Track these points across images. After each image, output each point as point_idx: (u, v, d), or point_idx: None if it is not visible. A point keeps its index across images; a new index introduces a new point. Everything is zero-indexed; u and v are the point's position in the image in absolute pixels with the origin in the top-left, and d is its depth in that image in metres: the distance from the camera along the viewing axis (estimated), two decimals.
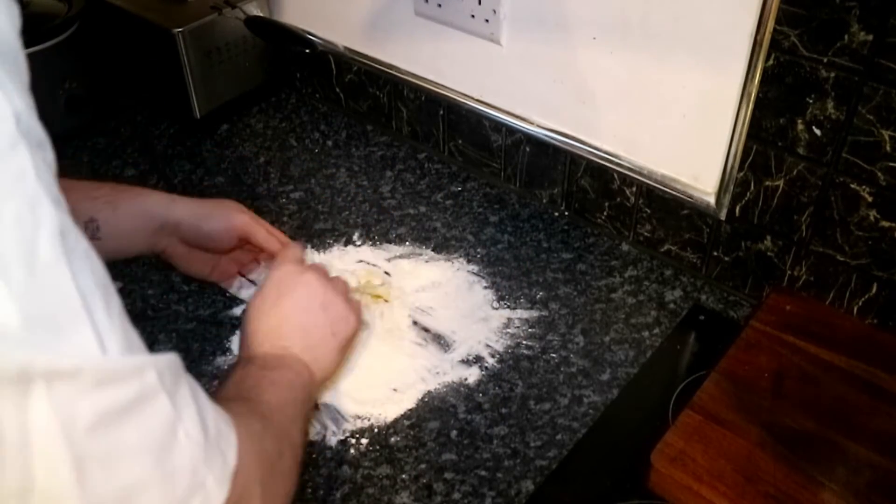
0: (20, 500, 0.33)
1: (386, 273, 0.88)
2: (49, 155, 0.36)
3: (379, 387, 0.76)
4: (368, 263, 0.89)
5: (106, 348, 0.35)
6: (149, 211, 0.76)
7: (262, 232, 0.79)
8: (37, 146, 0.35)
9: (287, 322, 0.66)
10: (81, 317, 0.34)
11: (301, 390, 0.61)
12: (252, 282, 0.83)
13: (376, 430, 0.72)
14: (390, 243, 0.92)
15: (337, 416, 0.73)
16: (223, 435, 0.43)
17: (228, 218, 0.78)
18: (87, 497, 0.34)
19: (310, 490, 0.67)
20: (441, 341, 0.80)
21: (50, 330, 0.33)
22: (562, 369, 0.78)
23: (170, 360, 0.39)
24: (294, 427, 0.57)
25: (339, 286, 0.71)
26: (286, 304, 0.67)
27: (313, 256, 0.91)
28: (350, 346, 0.70)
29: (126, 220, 0.74)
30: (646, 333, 0.81)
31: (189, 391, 0.40)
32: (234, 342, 0.80)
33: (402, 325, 0.81)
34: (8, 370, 0.31)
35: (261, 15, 1.09)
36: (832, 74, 0.68)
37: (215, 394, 0.57)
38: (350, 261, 0.90)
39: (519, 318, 0.83)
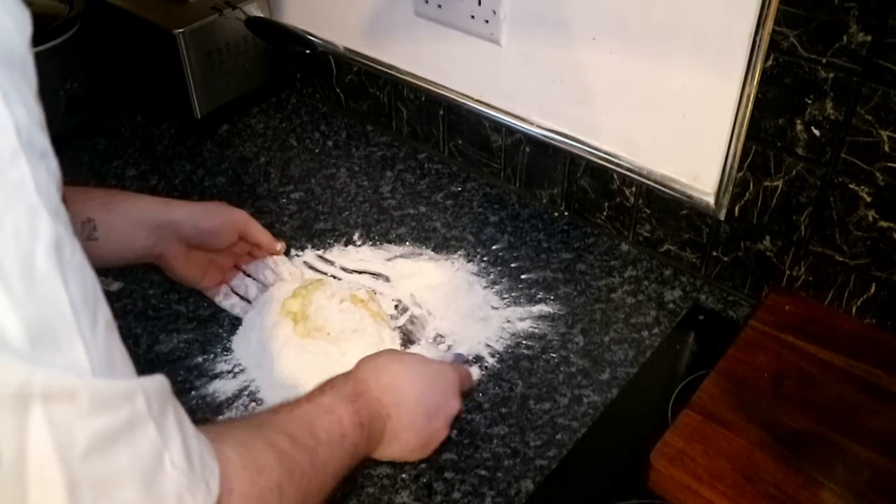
0: None
1: (386, 279, 0.88)
2: (52, 164, 0.36)
3: None
4: (371, 274, 0.89)
5: (92, 364, 0.35)
6: (145, 211, 0.77)
7: (258, 224, 0.83)
8: (38, 157, 0.34)
9: (411, 406, 0.64)
10: (74, 331, 0.34)
11: (355, 458, 0.59)
12: (235, 292, 0.84)
13: None
14: (390, 243, 0.93)
15: None
16: (207, 465, 0.42)
17: (228, 212, 0.82)
18: None
19: None
20: (441, 341, 0.80)
21: (47, 343, 0.33)
22: (561, 369, 0.78)
23: (158, 385, 0.39)
24: (321, 494, 0.55)
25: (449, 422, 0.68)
26: (432, 402, 0.65)
27: (311, 258, 0.91)
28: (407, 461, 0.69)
29: (122, 220, 0.75)
30: (645, 333, 0.82)
31: (175, 418, 0.40)
32: (235, 342, 0.80)
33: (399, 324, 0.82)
34: (9, 384, 0.31)
35: (261, 15, 1.09)
36: (831, 75, 0.68)
37: (281, 408, 0.56)
38: (351, 261, 0.90)
39: (519, 318, 0.83)
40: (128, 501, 0.36)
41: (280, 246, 0.86)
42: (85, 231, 0.72)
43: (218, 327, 0.82)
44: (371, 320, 0.78)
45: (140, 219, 0.76)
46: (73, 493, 0.33)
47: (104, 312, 0.37)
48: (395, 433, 0.63)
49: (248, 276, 0.85)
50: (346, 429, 0.57)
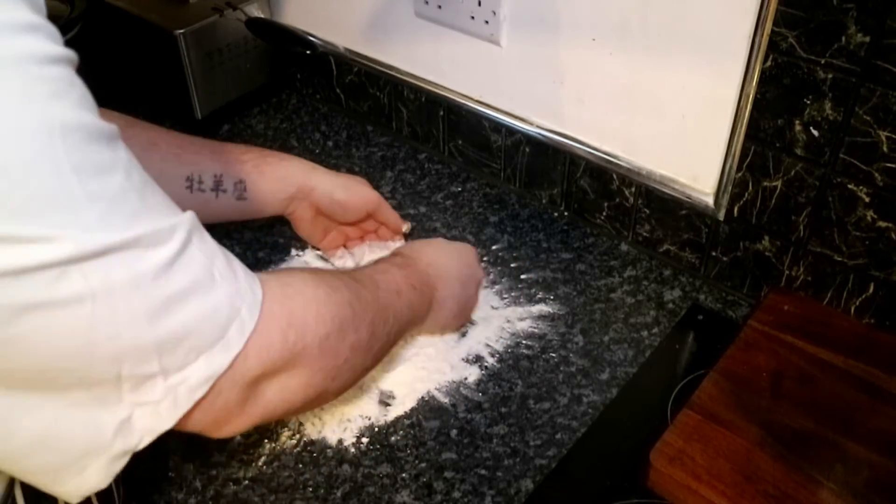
0: (114, 363, 0.40)
1: None
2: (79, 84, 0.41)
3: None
4: None
5: (152, 219, 0.41)
6: (290, 176, 0.83)
7: (390, 207, 0.88)
8: (73, 84, 0.40)
9: (451, 277, 0.74)
10: (139, 209, 0.40)
11: (412, 318, 0.68)
12: (352, 255, 0.89)
13: (377, 429, 0.73)
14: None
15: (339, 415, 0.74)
16: (248, 274, 0.49)
17: (363, 190, 0.86)
18: (158, 337, 0.41)
19: (310, 489, 0.68)
20: (440, 342, 0.80)
21: (119, 221, 0.39)
22: (561, 369, 0.78)
23: (191, 217, 0.45)
24: (386, 336, 0.62)
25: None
26: (464, 272, 0.77)
27: (311, 258, 0.91)
28: (441, 333, 0.79)
29: (270, 182, 0.81)
30: (645, 333, 0.82)
31: (211, 241, 0.47)
32: None
33: None
34: (93, 249, 0.37)
35: (262, 16, 1.09)
36: (830, 76, 0.68)
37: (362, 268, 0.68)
38: (351, 261, 0.90)
39: (518, 318, 0.83)
40: (194, 313, 0.43)
41: (406, 227, 0.91)
42: (236, 191, 0.78)
43: None
44: None
45: (284, 182, 0.82)
46: (151, 315, 0.40)
47: (151, 181, 0.43)
48: (442, 301, 0.72)
49: (352, 256, 0.89)
50: (401, 286, 0.66)
